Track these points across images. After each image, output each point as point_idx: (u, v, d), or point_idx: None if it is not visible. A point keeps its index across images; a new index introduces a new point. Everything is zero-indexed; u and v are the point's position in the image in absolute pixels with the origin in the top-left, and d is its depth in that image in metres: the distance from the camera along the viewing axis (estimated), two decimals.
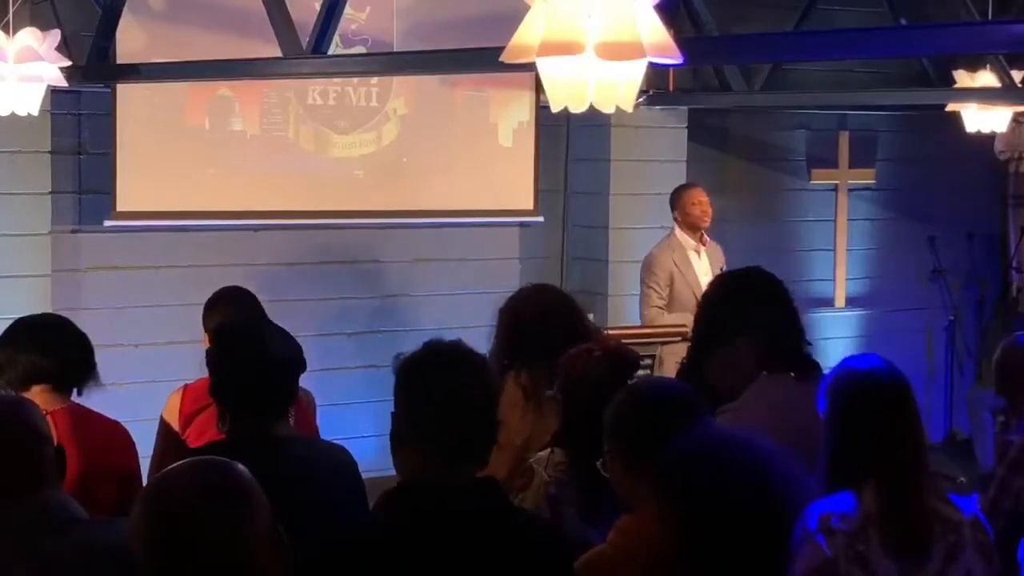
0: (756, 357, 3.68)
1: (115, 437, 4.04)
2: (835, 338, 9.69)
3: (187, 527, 2.14)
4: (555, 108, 3.69)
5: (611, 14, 3.42)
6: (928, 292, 10.31)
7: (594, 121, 8.23)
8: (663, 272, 7.77)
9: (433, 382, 2.76)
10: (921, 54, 7.77)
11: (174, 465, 2.27)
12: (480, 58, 5.56)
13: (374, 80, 8.22)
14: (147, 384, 6.92)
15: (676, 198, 7.97)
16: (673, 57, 3.58)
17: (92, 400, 4.06)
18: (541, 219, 8.83)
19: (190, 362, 4.55)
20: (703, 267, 7.76)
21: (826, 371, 3.36)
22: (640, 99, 8.13)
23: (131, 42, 7.41)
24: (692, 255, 7.84)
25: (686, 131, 9.02)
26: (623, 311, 8.56)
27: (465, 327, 7.60)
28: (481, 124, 8.61)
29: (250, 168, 8.00)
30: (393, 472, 2.81)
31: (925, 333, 10.29)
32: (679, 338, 6.62)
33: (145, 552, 2.17)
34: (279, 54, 5.92)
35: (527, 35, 3.51)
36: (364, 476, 3.60)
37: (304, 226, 8.24)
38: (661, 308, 7.74)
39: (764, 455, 2.70)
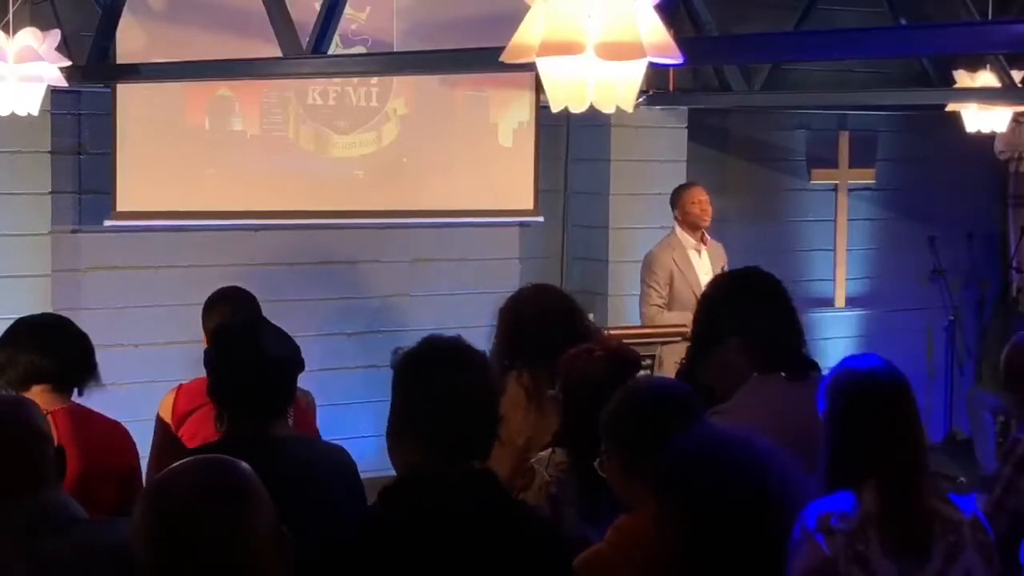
0: (750, 357, 3.67)
1: (115, 437, 4.05)
2: (835, 338, 9.70)
3: (188, 526, 2.14)
4: (555, 108, 3.69)
5: (611, 14, 3.42)
6: (928, 292, 10.31)
7: (594, 121, 8.23)
8: (663, 271, 7.78)
9: (433, 378, 2.77)
10: (921, 54, 7.77)
11: (175, 464, 2.27)
12: (480, 58, 5.56)
13: (374, 80, 8.22)
14: (147, 384, 6.91)
15: (676, 197, 7.98)
16: (673, 57, 3.58)
17: (92, 400, 4.07)
18: (541, 219, 8.82)
19: (190, 362, 4.55)
20: (704, 266, 7.77)
21: (826, 371, 3.36)
22: (640, 99, 8.13)
23: (131, 42, 7.41)
24: (692, 254, 7.85)
25: (686, 131, 9.02)
26: (623, 311, 8.56)
27: (465, 327, 7.56)
28: (481, 124, 8.61)
29: (250, 168, 8.00)
30: (393, 472, 2.82)
31: (925, 333, 10.29)
32: (679, 338, 6.62)
33: (147, 552, 2.16)
34: (279, 54, 5.92)
35: (527, 35, 3.51)
36: (364, 476, 3.60)
37: (304, 226, 8.24)
38: (661, 307, 7.75)
39: (763, 455, 2.70)
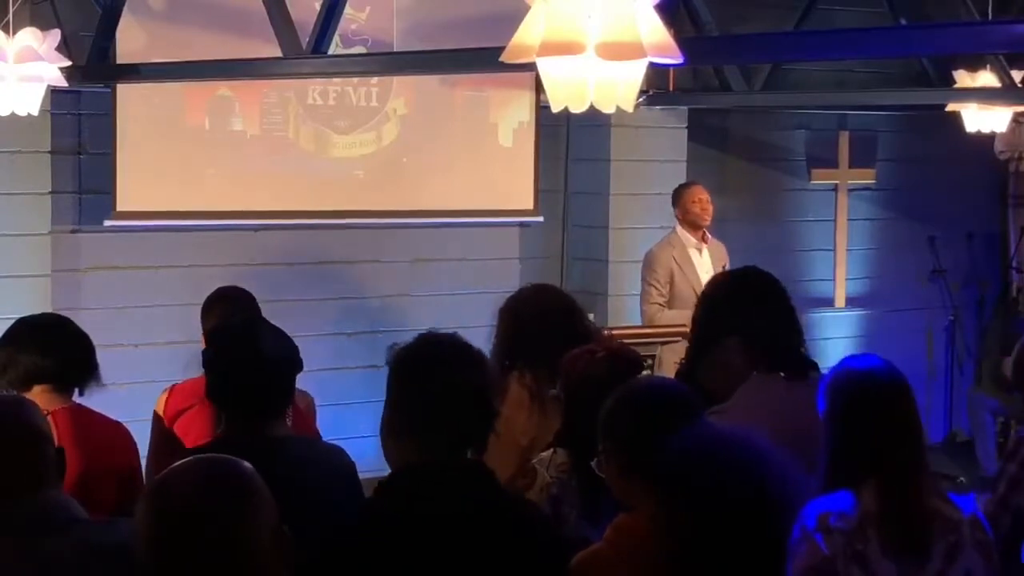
0: (749, 357, 3.67)
1: (116, 437, 4.05)
2: (835, 338, 9.70)
3: (189, 526, 2.14)
4: (555, 108, 3.69)
5: (611, 14, 3.42)
6: (928, 292, 10.31)
7: (594, 121, 8.23)
8: (663, 269, 7.80)
9: (430, 374, 2.77)
10: (921, 54, 7.77)
11: (177, 464, 2.27)
12: (480, 58, 5.56)
13: (374, 80, 8.22)
14: (147, 384, 6.89)
15: (677, 196, 8.00)
16: (673, 57, 3.58)
17: (92, 400, 4.07)
18: (541, 219, 8.82)
19: (190, 362, 4.56)
20: (704, 265, 7.78)
21: (825, 371, 3.36)
22: (640, 99, 8.13)
23: (131, 42, 7.41)
24: (693, 253, 7.86)
25: (686, 131, 9.02)
26: (623, 311, 8.56)
27: (465, 327, 7.55)
28: (481, 124, 8.61)
29: (250, 168, 8.00)
30: None
31: (925, 333, 10.30)
32: (679, 338, 6.62)
33: (148, 551, 2.16)
34: (279, 54, 5.92)
35: (527, 35, 3.52)
36: (363, 476, 3.59)
37: (304, 226, 8.24)
38: (661, 305, 7.77)
39: (762, 454, 2.70)
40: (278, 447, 3.38)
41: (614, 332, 6.88)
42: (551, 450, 3.76)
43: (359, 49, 7.96)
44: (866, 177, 10.13)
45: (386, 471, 2.84)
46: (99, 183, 7.62)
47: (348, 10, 6.16)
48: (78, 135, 7.68)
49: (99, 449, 3.89)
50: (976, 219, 10.52)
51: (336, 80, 8.04)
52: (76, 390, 4.02)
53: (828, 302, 9.92)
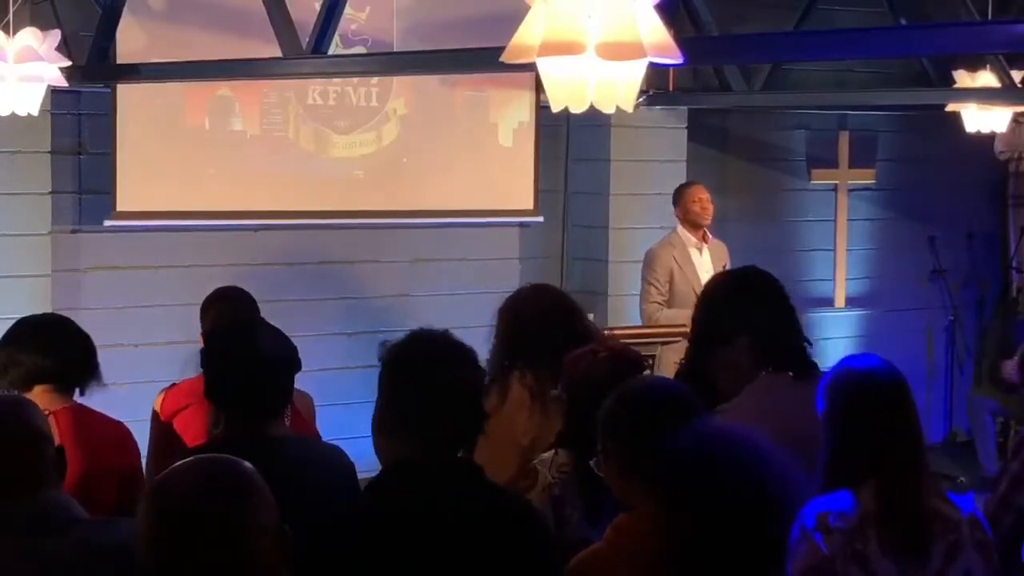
0: (757, 357, 3.68)
1: (117, 437, 4.05)
2: (835, 338, 9.69)
3: (190, 526, 2.14)
4: (555, 108, 3.69)
5: (611, 14, 3.43)
6: (928, 292, 10.31)
7: (594, 121, 8.23)
8: (663, 268, 7.81)
9: (421, 372, 2.78)
10: (921, 54, 7.77)
11: (178, 463, 2.27)
12: (480, 58, 5.56)
13: (374, 80, 8.22)
14: (147, 384, 6.88)
15: (678, 195, 8.02)
16: (673, 57, 3.58)
17: (92, 400, 4.07)
18: (541, 219, 8.83)
19: (190, 362, 4.56)
20: (704, 264, 7.79)
21: (825, 371, 3.36)
22: (640, 99, 8.13)
23: (131, 42, 7.41)
24: (693, 252, 7.87)
25: (686, 131, 9.02)
26: (623, 311, 8.56)
27: (465, 327, 7.55)
28: (481, 124, 8.61)
29: (250, 168, 8.00)
30: None
31: (925, 333, 10.30)
32: (679, 338, 6.62)
33: (149, 551, 2.16)
34: (279, 54, 5.92)
35: (527, 35, 3.52)
36: (363, 476, 3.58)
37: (304, 226, 8.24)
38: (660, 304, 7.78)
39: (762, 454, 2.70)
40: (276, 447, 3.38)
41: (615, 332, 6.91)
42: (553, 451, 3.76)
43: (359, 49, 7.96)
44: (866, 177, 10.13)
45: None
46: (99, 183, 7.62)
47: (348, 10, 6.16)
48: (78, 135, 7.68)
49: (100, 449, 3.89)
50: (976, 219, 10.52)
51: (336, 80, 8.04)
52: (77, 390, 4.02)
53: (828, 302, 9.92)
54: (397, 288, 8.54)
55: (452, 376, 2.77)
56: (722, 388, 3.72)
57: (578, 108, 3.62)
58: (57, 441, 2.89)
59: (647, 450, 2.85)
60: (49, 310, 6.39)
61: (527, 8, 3.55)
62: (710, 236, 7.97)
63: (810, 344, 3.84)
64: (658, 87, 8.68)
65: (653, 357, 6.83)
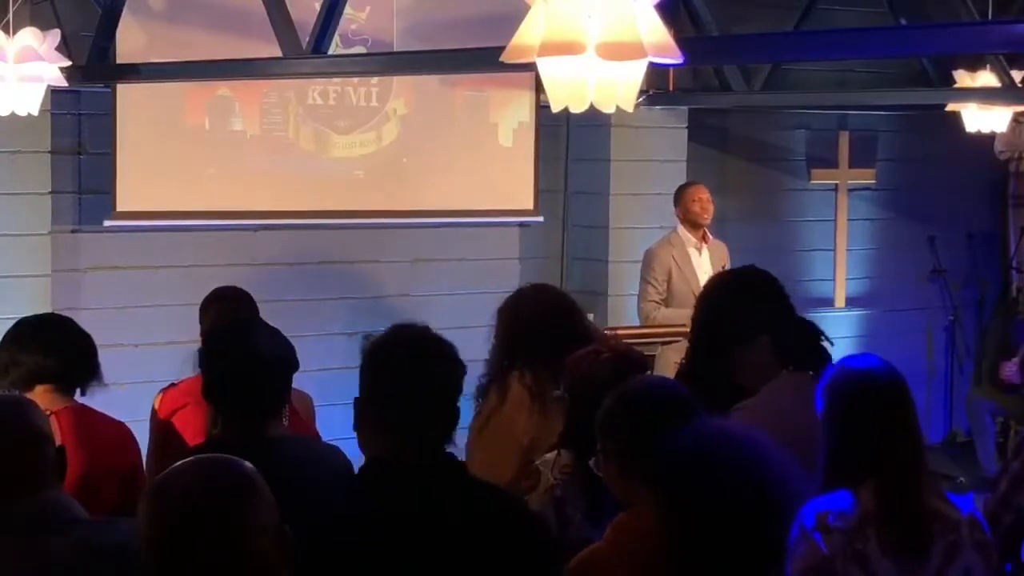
0: (777, 356, 3.74)
1: (118, 437, 4.05)
2: (835, 338, 9.63)
3: (190, 526, 2.14)
4: (555, 108, 3.69)
5: (611, 14, 3.43)
6: (928, 292, 10.31)
7: (594, 121, 8.23)
8: (661, 268, 7.82)
9: (400, 367, 2.78)
10: (921, 54, 7.76)
11: (178, 463, 2.27)
12: (480, 58, 5.56)
13: (374, 80, 8.22)
14: (147, 384, 6.88)
15: (678, 195, 8.03)
16: (673, 57, 3.58)
17: (92, 400, 4.07)
18: (541, 219, 8.82)
19: (190, 362, 4.56)
20: (703, 265, 7.79)
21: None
22: (640, 99, 8.13)
23: (131, 42, 7.40)
24: (692, 252, 7.87)
25: (686, 131, 9.02)
26: (623, 311, 8.56)
27: (465, 327, 7.55)
28: (481, 124, 8.61)
29: (250, 168, 8.00)
30: None
31: (925, 333, 10.29)
32: (680, 338, 6.62)
33: (149, 551, 2.17)
34: (279, 54, 5.92)
35: (527, 35, 3.52)
36: None
37: (304, 226, 8.24)
38: (658, 303, 7.79)
39: (761, 453, 2.70)
40: (274, 447, 3.37)
41: (618, 332, 6.92)
42: (555, 451, 3.76)
43: (359, 49, 7.96)
44: (866, 177, 10.13)
45: None
46: (99, 183, 7.62)
47: (348, 10, 6.16)
48: (78, 135, 7.68)
49: (101, 449, 3.89)
50: (976, 219, 10.52)
51: (336, 80, 8.04)
52: (78, 390, 4.02)
53: (828, 302, 9.92)
54: (397, 288, 8.54)
55: (430, 370, 2.78)
56: (748, 385, 3.78)
57: (578, 108, 3.62)
58: (58, 441, 2.89)
59: (646, 450, 2.86)
60: (49, 310, 6.39)
61: (527, 8, 3.55)
62: (710, 236, 7.98)
63: (832, 344, 3.87)
64: (658, 87, 8.68)
65: (653, 357, 6.83)
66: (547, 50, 3.47)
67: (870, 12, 8.06)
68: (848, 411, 3.10)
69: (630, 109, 3.87)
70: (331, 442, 3.79)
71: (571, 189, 8.98)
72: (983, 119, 8.33)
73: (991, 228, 10.66)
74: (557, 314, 4.50)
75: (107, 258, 7.77)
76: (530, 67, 3.64)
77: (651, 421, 3.04)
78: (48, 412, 3.09)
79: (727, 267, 7.43)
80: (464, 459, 4.39)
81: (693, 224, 7.91)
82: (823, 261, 10.01)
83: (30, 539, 2.63)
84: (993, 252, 10.66)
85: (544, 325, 4.42)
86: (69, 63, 6.13)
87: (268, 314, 4.39)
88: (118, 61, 7.27)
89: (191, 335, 5.10)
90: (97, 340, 4.12)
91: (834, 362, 3.76)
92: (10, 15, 6.13)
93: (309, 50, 5.72)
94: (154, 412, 4.50)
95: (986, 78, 7.77)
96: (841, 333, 9.84)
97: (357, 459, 3.65)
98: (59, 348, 3.96)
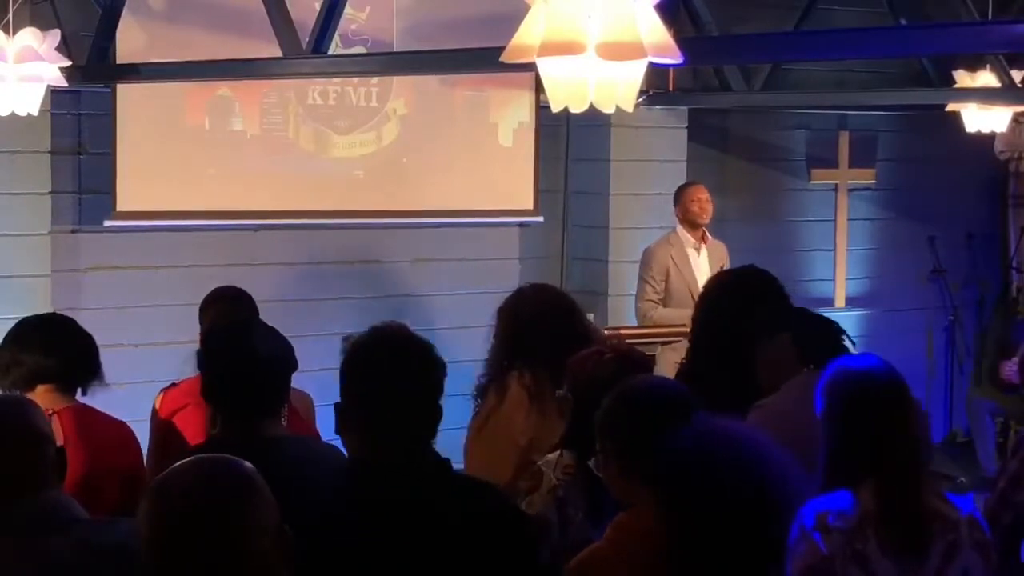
0: (797, 353, 3.77)
1: (120, 436, 4.05)
2: None
3: (190, 526, 2.14)
4: (555, 108, 3.69)
5: (611, 14, 3.43)
6: (928, 292, 10.31)
7: (594, 121, 8.23)
8: (659, 267, 7.82)
9: (378, 368, 2.79)
10: (921, 54, 7.76)
11: (178, 463, 2.27)
12: (480, 58, 5.56)
13: (374, 80, 8.22)
14: (147, 384, 6.88)
15: (678, 195, 8.03)
16: (673, 57, 3.59)
17: (92, 400, 4.07)
18: (541, 219, 8.83)
19: (190, 362, 4.56)
20: (702, 265, 7.79)
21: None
22: (640, 99, 8.13)
23: (131, 42, 7.41)
24: (691, 252, 7.87)
25: (686, 131, 9.02)
26: (623, 311, 8.56)
27: (465, 327, 7.61)
28: (481, 124, 8.61)
29: (250, 168, 8.00)
30: None
31: (925, 333, 10.29)
32: (680, 338, 6.63)
33: (149, 551, 2.17)
34: (279, 54, 5.92)
35: (527, 35, 3.52)
36: None
37: (304, 226, 8.24)
38: (655, 303, 7.80)
39: (761, 453, 2.70)
40: (273, 447, 3.37)
41: (620, 332, 6.93)
42: (558, 452, 3.76)
43: (359, 49, 7.96)
44: (866, 177, 10.13)
45: None
46: (99, 183, 7.62)
47: (348, 10, 6.16)
48: (78, 135, 7.68)
49: (103, 449, 3.89)
50: (976, 219, 10.52)
51: (336, 80, 8.04)
52: (79, 390, 4.02)
53: (828, 302, 9.91)
54: (397, 288, 8.54)
55: (408, 370, 2.79)
56: (769, 384, 3.80)
57: (578, 108, 3.63)
58: (60, 441, 2.89)
59: (646, 450, 2.85)
60: (49, 310, 6.39)
61: (527, 8, 3.55)
62: (709, 236, 7.98)
63: (854, 343, 3.88)
64: (658, 87, 8.68)
65: (653, 357, 6.83)
66: (547, 50, 3.47)
67: (870, 12, 8.06)
68: (848, 411, 3.11)
69: (630, 109, 3.87)
70: (331, 442, 3.80)
71: (571, 189, 8.98)
72: (983, 119, 8.33)
73: (991, 228, 10.66)
74: (557, 314, 4.50)
75: (107, 258, 7.77)
76: (530, 67, 3.65)
77: (651, 421, 3.04)
78: (50, 412, 3.10)
79: (726, 267, 7.43)
80: (463, 458, 4.42)
81: (692, 224, 7.91)
82: (823, 261, 10.01)
83: (30, 539, 2.63)
84: (993, 252, 10.66)
85: (544, 325, 4.42)
86: (69, 63, 6.14)
87: (268, 314, 4.39)
88: (118, 61, 7.27)
89: (191, 335, 5.09)
90: (97, 340, 4.12)
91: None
92: (10, 15, 6.13)
93: (309, 50, 5.72)
94: (154, 412, 4.51)
95: (986, 78, 7.77)
96: None
97: None
98: (60, 348, 3.97)
